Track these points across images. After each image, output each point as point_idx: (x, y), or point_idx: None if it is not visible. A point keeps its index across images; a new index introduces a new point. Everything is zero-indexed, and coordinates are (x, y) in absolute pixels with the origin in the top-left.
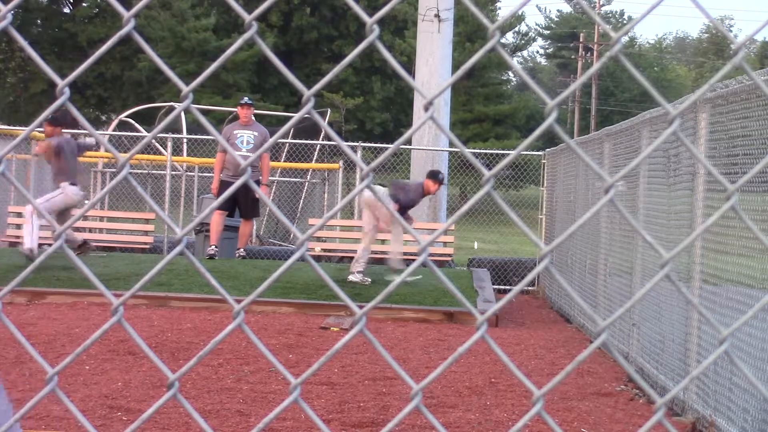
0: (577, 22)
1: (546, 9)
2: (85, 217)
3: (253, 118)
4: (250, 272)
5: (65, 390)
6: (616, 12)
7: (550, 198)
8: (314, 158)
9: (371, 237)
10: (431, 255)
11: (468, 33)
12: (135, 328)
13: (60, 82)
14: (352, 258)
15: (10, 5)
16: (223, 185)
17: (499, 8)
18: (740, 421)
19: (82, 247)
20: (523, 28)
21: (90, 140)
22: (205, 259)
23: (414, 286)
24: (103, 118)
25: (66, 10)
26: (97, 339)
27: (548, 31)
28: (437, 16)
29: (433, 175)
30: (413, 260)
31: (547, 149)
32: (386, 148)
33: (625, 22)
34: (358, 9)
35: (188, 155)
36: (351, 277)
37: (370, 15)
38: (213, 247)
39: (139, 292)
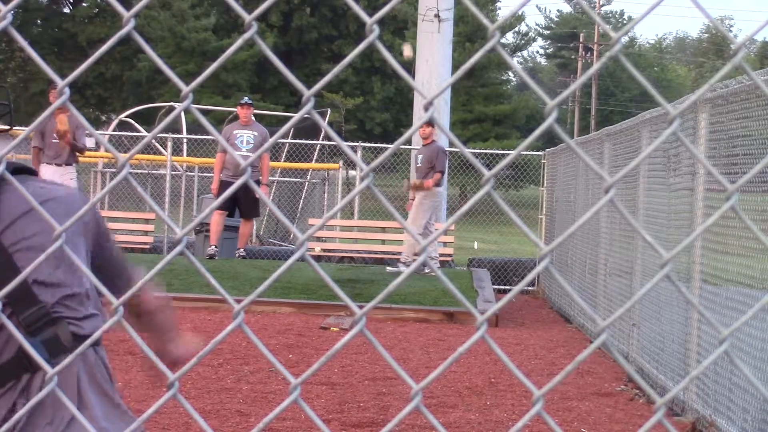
0: (577, 22)
1: (546, 9)
2: None
3: (253, 118)
4: (250, 272)
5: None
6: (616, 12)
7: (550, 198)
8: (314, 158)
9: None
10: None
11: (468, 33)
12: None
13: (60, 82)
14: (352, 258)
15: (10, 5)
16: (223, 185)
17: (499, 8)
18: (740, 421)
19: None
20: (523, 28)
21: None
22: (205, 259)
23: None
24: (103, 118)
25: (66, 10)
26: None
27: (548, 31)
28: (437, 16)
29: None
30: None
31: (547, 149)
32: (386, 148)
33: (625, 22)
34: (358, 9)
35: (188, 155)
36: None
37: (370, 15)
38: (213, 247)
39: None
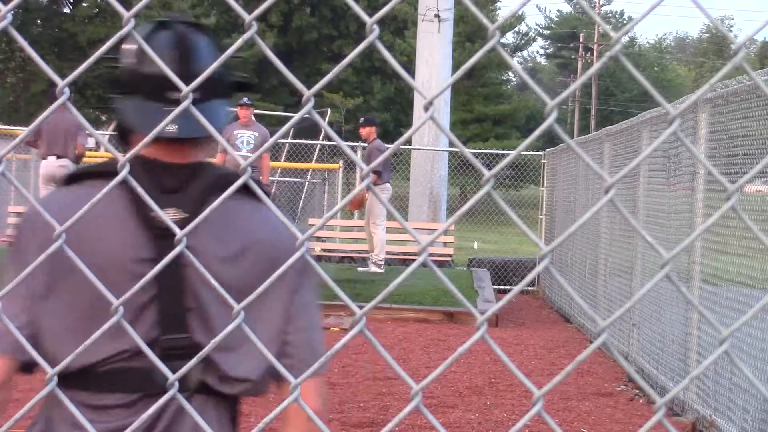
0: (577, 22)
1: (546, 9)
2: None
3: (253, 118)
4: None
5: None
6: (616, 12)
7: (550, 198)
8: (314, 158)
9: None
10: (431, 255)
11: (468, 33)
12: None
13: (60, 82)
14: (352, 258)
15: (10, 5)
16: None
17: (499, 8)
18: (740, 421)
19: None
20: (523, 28)
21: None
22: None
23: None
24: (104, 118)
25: (66, 10)
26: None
27: (548, 31)
28: (437, 16)
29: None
30: (413, 260)
31: (547, 149)
32: (386, 148)
33: (625, 22)
34: (358, 9)
35: None
36: (374, 268)
37: (370, 15)
38: None
39: None
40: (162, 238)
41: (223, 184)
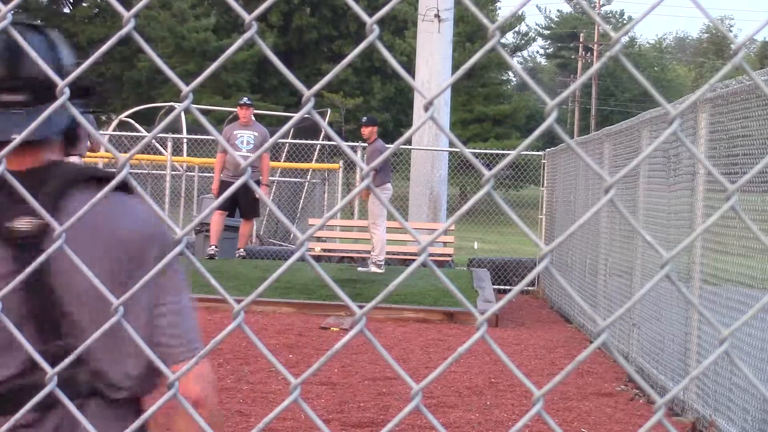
0: (577, 22)
1: (546, 9)
2: None
3: (253, 118)
4: (250, 272)
5: None
6: (616, 12)
7: (550, 198)
8: (314, 158)
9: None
10: (431, 255)
11: (468, 33)
12: None
13: (60, 82)
14: (352, 258)
15: (10, 5)
16: (223, 185)
17: (499, 8)
18: (740, 421)
19: None
20: (523, 28)
21: None
22: (205, 259)
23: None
24: (103, 118)
25: (66, 10)
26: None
27: (548, 31)
28: (437, 16)
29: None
30: (413, 260)
31: (547, 149)
32: (387, 149)
33: (625, 22)
34: (358, 9)
35: (188, 155)
36: (375, 268)
37: (370, 15)
38: (213, 247)
39: None
40: (22, 249)
41: (74, 183)
